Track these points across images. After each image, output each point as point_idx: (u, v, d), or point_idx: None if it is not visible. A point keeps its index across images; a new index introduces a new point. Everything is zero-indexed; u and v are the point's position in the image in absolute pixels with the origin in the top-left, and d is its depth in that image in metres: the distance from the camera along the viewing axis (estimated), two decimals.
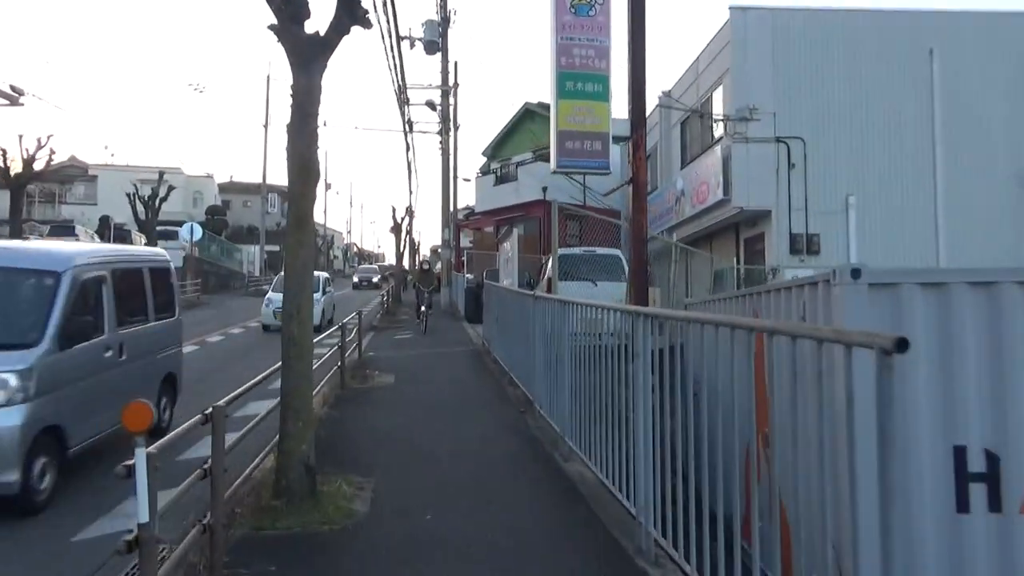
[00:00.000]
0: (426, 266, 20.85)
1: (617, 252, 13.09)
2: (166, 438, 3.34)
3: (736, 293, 7.51)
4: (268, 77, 44.12)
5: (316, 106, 4.85)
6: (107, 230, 43.13)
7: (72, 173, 61.31)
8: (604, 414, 5.12)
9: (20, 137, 16.81)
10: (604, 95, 7.92)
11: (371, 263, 73.60)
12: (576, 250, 13.70)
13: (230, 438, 4.65)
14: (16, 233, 17.07)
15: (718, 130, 18.11)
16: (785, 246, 16.77)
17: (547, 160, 31.08)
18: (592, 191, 31.16)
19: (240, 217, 63.55)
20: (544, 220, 29.29)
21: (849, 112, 16.95)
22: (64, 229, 40.43)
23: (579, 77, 7.80)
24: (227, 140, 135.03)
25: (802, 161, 16.84)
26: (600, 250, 12.98)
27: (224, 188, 66.83)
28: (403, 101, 26.51)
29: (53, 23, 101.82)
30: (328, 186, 73.89)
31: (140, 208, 25.88)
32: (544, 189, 28.98)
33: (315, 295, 12.76)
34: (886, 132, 17.01)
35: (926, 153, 17.11)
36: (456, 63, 30.43)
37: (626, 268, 13.01)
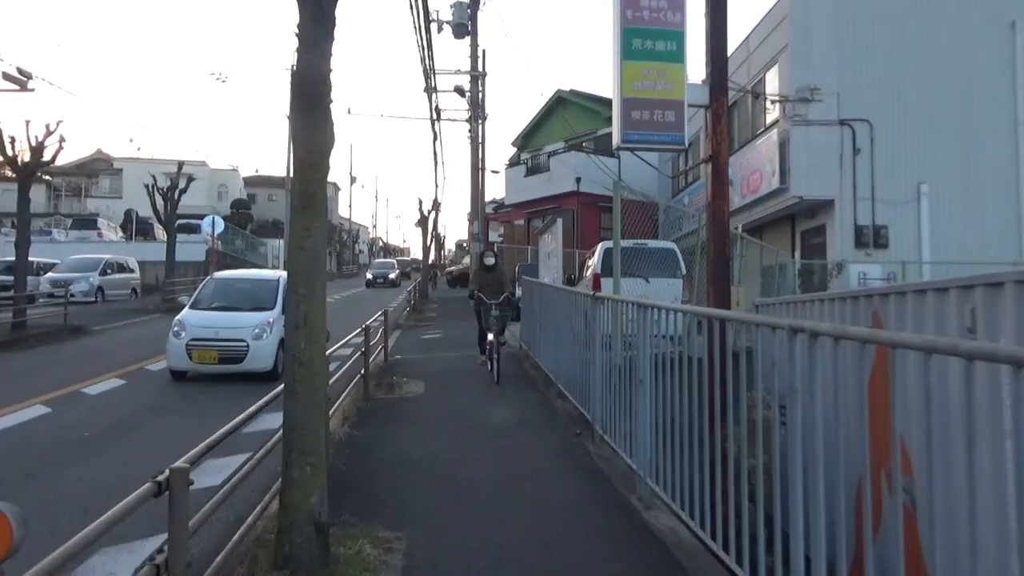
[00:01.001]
0: (490, 260, 11.19)
1: (672, 245, 11.78)
2: (91, 528, 2.12)
3: (841, 294, 6.17)
4: (292, 67, 42.99)
5: (328, 41, 3.63)
6: (130, 224, 42.70)
7: (98, 167, 61.27)
8: (713, 457, 3.85)
9: (27, 123, 15.70)
10: (678, 55, 6.61)
11: (396, 257, 70.90)
12: (624, 242, 12.38)
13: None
14: (24, 226, 16.11)
15: (773, 113, 16.66)
16: (849, 239, 15.31)
17: (580, 149, 29.81)
18: (624, 183, 29.83)
19: (266, 211, 63.02)
20: (578, 212, 27.98)
21: (921, 92, 15.42)
22: (87, 223, 40.11)
23: (648, 34, 6.49)
24: (253, 133, 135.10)
25: (868, 146, 15.37)
26: (652, 243, 11.68)
27: (250, 182, 66.38)
28: (431, 88, 25.32)
29: (66, 9, 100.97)
30: (353, 179, 73.29)
31: (160, 201, 24.89)
32: (578, 180, 27.71)
33: (269, 317, 10.58)
34: (962, 113, 15.44)
35: (1007, 135, 15.52)
36: (484, 51, 29.17)
37: (682, 263, 11.71)
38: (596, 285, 11.33)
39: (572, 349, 7.86)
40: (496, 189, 43.43)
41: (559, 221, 10.69)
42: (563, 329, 8.41)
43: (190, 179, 25.67)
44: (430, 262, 37.22)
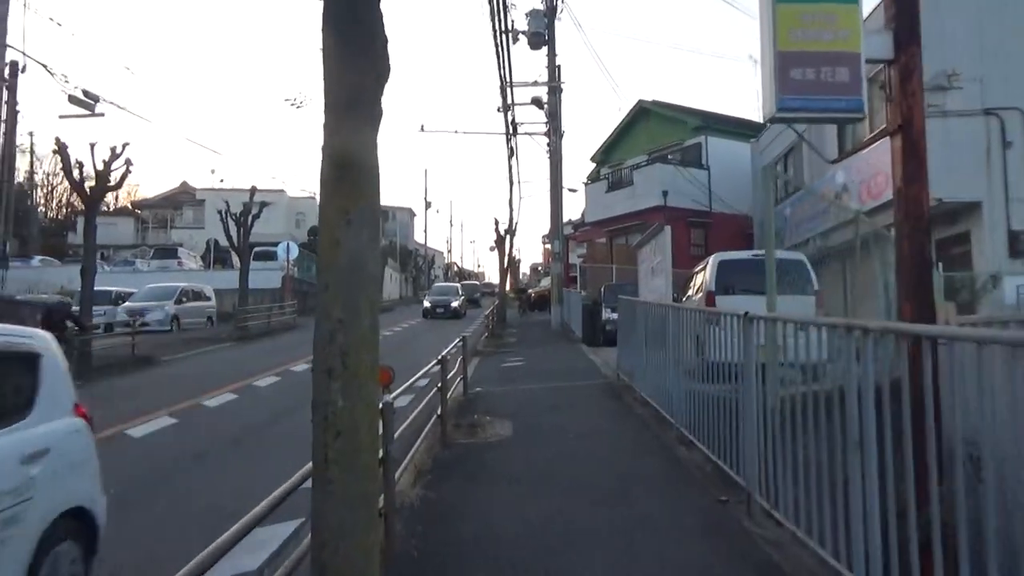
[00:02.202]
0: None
1: (800, 256, 9.97)
2: None
3: None
4: None
5: None
6: (209, 252, 43.11)
7: (183, 199, 62.96)
8: None
9: (92, 146, 15.11)
10: None
11: (466, 280, 67.93)
12: (741, 254, 10.61)
13: None
14: (91, 253, 15.50)
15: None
16: (1002, 247, 13.03)
17: (666, 161, 28.00)
18: (716, 196, 27.76)
19: None
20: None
21: None
22: (168, 253, 40.58)
23: None
24: None
25: (1021, 138, 13.10)
26: (777, 254, 9.85)
27: None
28: (508, 104, 24.12)
29: (137, 33, 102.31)
30: (428, 204, 73.23)
31: (233, 227, 24.39)
32: (664, 193, 25.93)
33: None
34: None
35: None
36: (560, 67, 27.86)
37: (814, 277, 9.86)
38: (710, 302, 9.62)
39: (701, 383, 6.19)
40: (572, 210, 41.71)
41: (667, 229, 8.98)
42: (685, 359, 6.75)
43: (263, 205, 25.15)
44: (518, 286, 35.53)
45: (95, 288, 27.31)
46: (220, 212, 24.54)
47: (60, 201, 62.24)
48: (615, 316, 19.08)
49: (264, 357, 17.38)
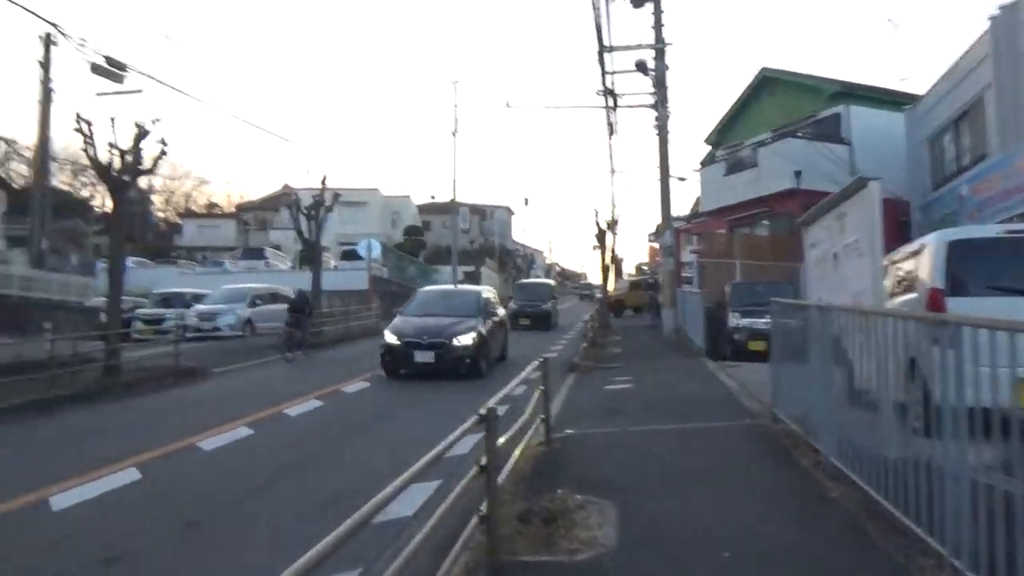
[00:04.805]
0: None
1: None
2: None
3: None
4: (456, 82, 40.51)
5: None
6: (306, 252, 41.88)
7: (283, 200, 63.06)
8: None
9: (112, 120, 12.81)
10: None
11: (542, 279, 59.75)
12: (985, 230, 6.89)
13: None
14: (117, 247, 13.27)
15: None
16: None
17: (796, 136, 23.76)
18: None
19: (441, 237, 62.13)
20: (799, 215, 21.98)
21: None
22: (254, 253, 39.47)
23: None
24: (427, 160, 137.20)
25: None
26: None
27: (424, 209, 66.12)
28: (604, 73, 20.70)
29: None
30: (526, 202, 70.46)
31: (304, 222, 22.11)
32: (797, 174, 21.78)
33: None
34: None
35: None
36: (666, 38, 24.02)
37: None
38: (935, 307, 5.97)
39: None
40: (681, 205, 37.08)
41: (874, 186, 5.31)
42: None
43: (336, 197, 22.76)
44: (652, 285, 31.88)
45: (172, 290, 25.97)
46: (289, 208, 22.36)
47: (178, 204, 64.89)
48: (744, 323, 15.36)
49: (321, 370, 14.83)
